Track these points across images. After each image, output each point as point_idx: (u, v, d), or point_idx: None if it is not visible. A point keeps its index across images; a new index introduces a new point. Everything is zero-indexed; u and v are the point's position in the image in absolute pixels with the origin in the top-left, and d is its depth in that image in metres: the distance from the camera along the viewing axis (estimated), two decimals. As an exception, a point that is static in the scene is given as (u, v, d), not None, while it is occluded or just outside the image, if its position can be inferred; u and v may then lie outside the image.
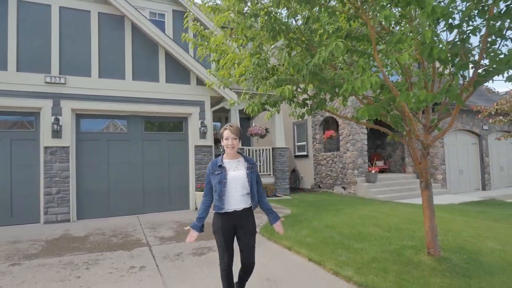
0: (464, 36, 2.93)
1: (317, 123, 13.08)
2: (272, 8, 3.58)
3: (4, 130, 7.14)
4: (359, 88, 2.81)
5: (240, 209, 2.76)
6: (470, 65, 3.10)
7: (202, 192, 3.02)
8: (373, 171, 11.12)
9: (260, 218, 6.28)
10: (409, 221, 6.44)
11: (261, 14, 3.52)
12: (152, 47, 8.41)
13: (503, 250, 4.64)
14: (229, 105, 5.07)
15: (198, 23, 4.73)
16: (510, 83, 2.93)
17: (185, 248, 4.98)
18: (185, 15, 4.70)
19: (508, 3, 2.67)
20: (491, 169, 13.69)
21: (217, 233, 2.79)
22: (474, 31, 2.86)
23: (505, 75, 2.91)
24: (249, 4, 3.56)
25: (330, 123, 12.93)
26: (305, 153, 13.78)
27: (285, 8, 3.57)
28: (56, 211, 7.15)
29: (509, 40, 2.97)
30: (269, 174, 11.22)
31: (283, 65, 3.89)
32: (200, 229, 2.81)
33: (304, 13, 3.68)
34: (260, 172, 10.91)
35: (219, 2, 3.94)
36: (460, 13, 2.91)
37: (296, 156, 14.35)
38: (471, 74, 3.40)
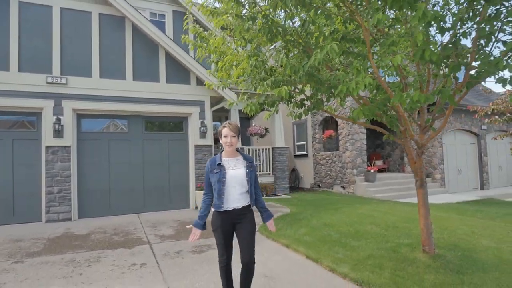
0: (455, 39, 3.01)
1: (316, 122, 13.16)
2: (271, 10, 3.66)
3: (6, 130, 7.23)
4: (354, 89, 2.89)
5: (239, 208, 2.78)
6: (462, 67, 3.18)
7: (202, 191, 3.09)
8: (372, 171, 11.20)
9: (260, 217, 6.36)
10: (406, 219, 6.52)
11: (259, 17, 3.60)
12: (153, 48, 8.50)
13: (497, 247, 4.72)
14: (228, 105, 5.15)
15: (198, 25, 4.80)
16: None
17: (185, 246, 5.07)
18: (184, 17, 4.77)
19: (498, 7, 2.75)
20: (489, 169, 13.76)
21: (216, 231, 2.81)
22: (465, 34, 2.94)
23: (496, 76, 2.99)
24: (247, 6, 3.64)
25: (329, 123, 13.01)
26: (304, 152, 13.86)
27: (282, 10, 3.65)
28: (58, 210, 7.24)
29: (501, 42, 3.04)
30: (269, 174, 11.30)
31: (282, 66, 3.98)
32: (203, 227, 2.81)
33: (302, 15, 3.77)
34: (260, 171, 10.99)
35: (217, 5, 4.03)
36: (452, 17, 2.98)
37: (295, 156, 14.43)
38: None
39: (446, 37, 3.40)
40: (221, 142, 2.80)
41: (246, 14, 3.73)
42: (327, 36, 3.39)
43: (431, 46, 2.73)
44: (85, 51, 7.81)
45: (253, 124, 12.98)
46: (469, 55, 3.16)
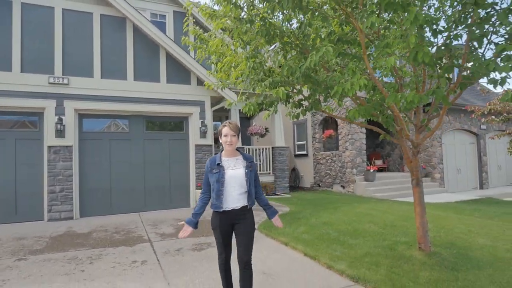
0: (448, 41, 3.08)
1: (316, 122, 13.22)
2: (269, 12, 3.73)
3: (9, 130, 7.32)
4: (349, 90, 2.96)
5: (238, 208, 2.76)
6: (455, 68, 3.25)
7: (202, 190, 3.15)
8: (371, 170, 11.27)
9: (259, 216, 6.44)
10: (404, 218, 6.59)
11: (257, 19, 3.67)
12: (153, 48, 8.58)
13: (493, 246, 4.78)
14: (227, 105, 5.23)
15: (198, 27, 4.88)
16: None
17: (185, 244, 5.15)
18: (184, 20, 4.85)
19: (488, 10, 2.82)
20: (489, 168, 13.81)
21: (215, 230, 2.84)
22: (456, 37, 3.01)
23: (489, 77, 3.06)
24: (245, 9, 3.71)
25: (329, 123, 13.07)
26: (304, 152, 13.93)
27: (280, 13, 3.72)
28: (60, 209, 7.33)
29: (493, 43, 3.11)
30: (269, 173, 11.38)
31: (279, 67, 4.05)
32: (195, 225, 2.80)
33: (300, 17, 3.84)
34: (260, 171, 11.06)
35: (216, 8, 4.10)
36: (446, 19, 3.06)
37: (296, 155, 14.50)
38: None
39: (442, 39, 3.48)
40: (221, 141, 2.79)
41: (244, 16, 3.81)
42: (323, 38, 3.46)
43: (424, 48, 2.80)
44: (87, 51, 7.90)
45: (253, 124, 13.05)
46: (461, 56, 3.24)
